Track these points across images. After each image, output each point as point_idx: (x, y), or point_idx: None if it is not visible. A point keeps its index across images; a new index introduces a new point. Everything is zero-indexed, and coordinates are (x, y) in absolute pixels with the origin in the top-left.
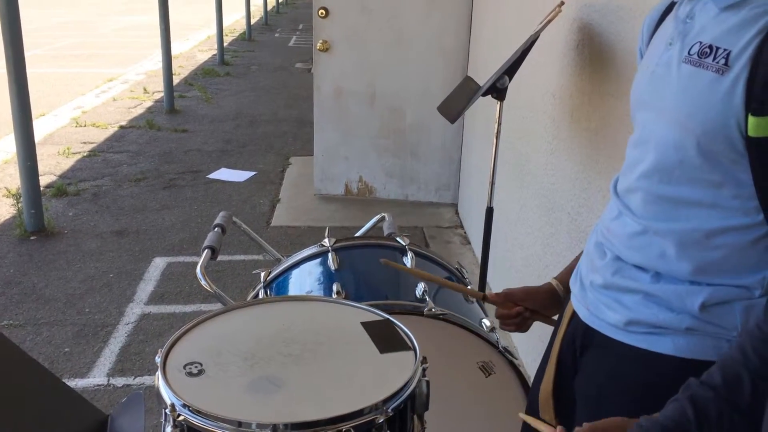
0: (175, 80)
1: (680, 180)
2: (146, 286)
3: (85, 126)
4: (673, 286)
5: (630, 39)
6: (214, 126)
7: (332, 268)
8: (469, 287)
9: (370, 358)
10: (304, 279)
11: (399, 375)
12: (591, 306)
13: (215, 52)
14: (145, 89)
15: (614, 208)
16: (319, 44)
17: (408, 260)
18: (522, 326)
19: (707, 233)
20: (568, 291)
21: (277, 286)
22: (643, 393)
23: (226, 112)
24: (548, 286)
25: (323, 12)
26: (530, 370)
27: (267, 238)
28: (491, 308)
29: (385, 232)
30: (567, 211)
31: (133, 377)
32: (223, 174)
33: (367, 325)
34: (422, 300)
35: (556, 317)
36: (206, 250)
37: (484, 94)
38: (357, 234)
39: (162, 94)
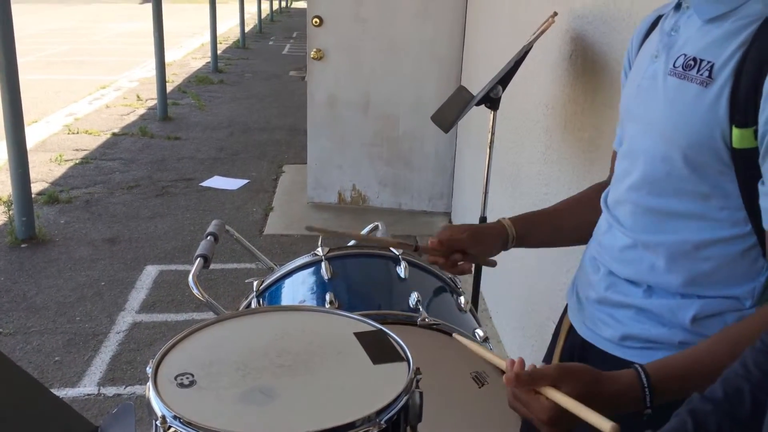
0: (169, 88)
1: (668, 192)
2: (138, 295)
3: (77, 133)
4: (664, 301)
5: (622, 50)
6: (208, 134)
7: (325, 277)
8: (399, 242)
9: (363, 369)
10: (297, 288)
11: (392, 386)
12: (587, 321)
13: (209, 59)
14: (138, 96)
15: (604, 221)
16: (312, 53)
17: (402, 269)
18: (460, 270)
19: (696, 245)
20: (520, 238)
21: (270, 296)
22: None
23: (219, 120)
24: (499, 227)
25: (317, 21)
26: None
27: (260, 247)
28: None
29: None
30: None
31: (124, 387)
32: (216, 182)
33: (360, 336)
34: (415, 310)
35: (495, 258)
36: (198, 259)
37: (478, 104)
38: (350, 243)
39: (155, 102)
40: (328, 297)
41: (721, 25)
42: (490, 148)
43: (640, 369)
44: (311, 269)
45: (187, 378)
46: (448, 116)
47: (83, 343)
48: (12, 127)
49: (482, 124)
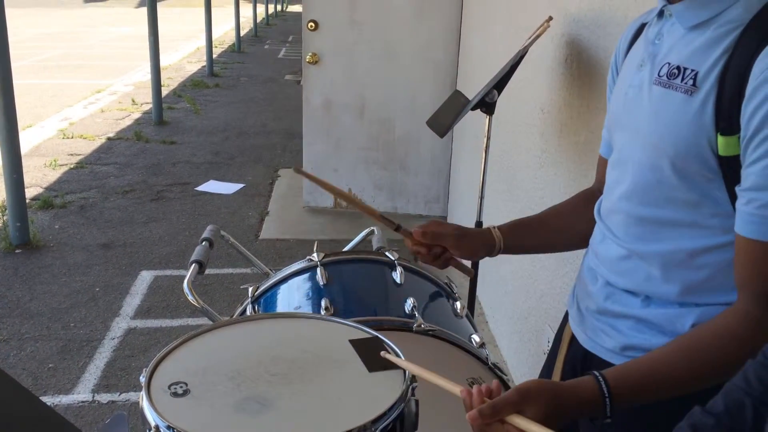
0: (164, 92)
1: (658, 201)
2: (133, 300)
3: (72, 138)
4: (663, 310)
5: None
6: (203, 138)
7: (321, 283)
8: (382, 216)
9: (359, 376)
10: (293, 294)
11: (387, 395)
12: (589, 331)
13: (204, 63)
14: (133, 100)
15: (599, 231)
16: (308, 57)
17: (397, 275)
18: (435, 263)
19: (690, 253)
20: (507, 247)
21: (265, 302)
22: (645, 417)
23: (215, 124)
24: (486, 233)
25: (312, 25)
26: None
27: (255, 251)
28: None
29: (375, 246)
30: None
31: (118, 393)
32: (212, 186)
33: (356, 343)
34: (411, 316)
35: (470, 265)
36: (194, 265)
37: (474, 108)
38: (346, 248)
39: (150, 106)
40: (323, 303)
41: (703, 33)
42: (486, 152)
43: (600, 378)
44: (306, 275)
45: (181, 387)
46: (443, 121)
47: (77, 349)
48: (6, 132)
49: (478, 128)
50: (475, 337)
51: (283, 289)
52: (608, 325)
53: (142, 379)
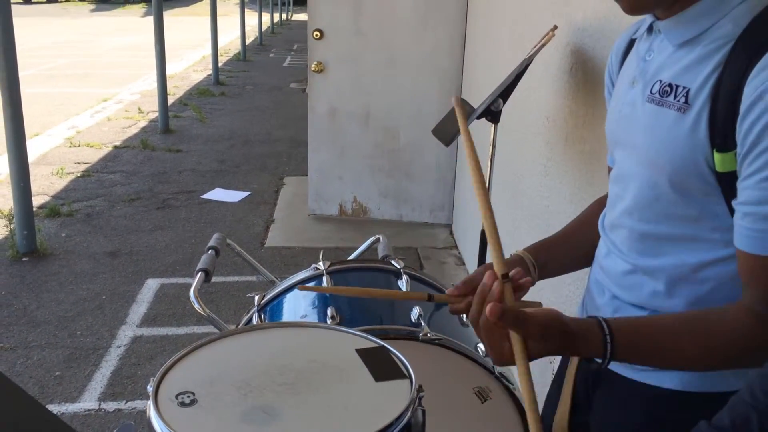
0: (170, 100)
1: (659, 217)
2: (139, 308)
3: (78, 146)
4: None
5: None
6: (209, 146)
7: None
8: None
9: (365, 386)
10: (299, 303)
11: (394, 404)
12: None
13: (210, 72)
14: (139, 109)
15: (603, 245)
16: (313, 65)
17: (403, 284)
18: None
19: (693, 268)
20: (540, 265)
21: (272, 310)
22: (655, 429)
23: (220, 132)
24: (516, 259)
25: (318, 34)
26: None
27: (261, 259)
28: None
29: (380, 254)
30: None
31: (125, 402)
32: (218, 194)
33: (362, 353)
34: (417, 324)
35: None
36: (200, 273)
37: (479, 117)
38: (351, 256)
39: (156, 114)
40: (329, 312)
41: (693, 49)
42: (491, 160)
43: (602, 321)
44: (313, 284)
45: (188, 397)
46: (449, 130)
47: (84, 357)
48: (13, 141)
49: (483, 136)
50: (482, 346)
51: (289, 297)
52: None
53: (150, 389)
